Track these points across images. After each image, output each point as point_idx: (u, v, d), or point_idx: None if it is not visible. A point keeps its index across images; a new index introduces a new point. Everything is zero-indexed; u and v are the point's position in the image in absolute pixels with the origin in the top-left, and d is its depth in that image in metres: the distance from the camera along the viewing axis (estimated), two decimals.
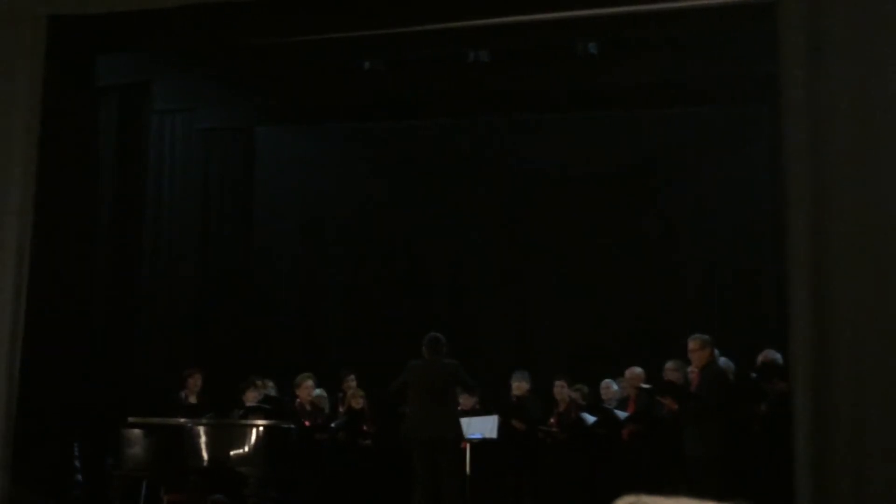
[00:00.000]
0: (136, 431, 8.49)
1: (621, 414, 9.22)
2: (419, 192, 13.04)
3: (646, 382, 9.25)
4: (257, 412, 9.04)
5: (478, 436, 9.25)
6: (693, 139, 12.17)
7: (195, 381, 9.80)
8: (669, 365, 8.65)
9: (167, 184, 12.06)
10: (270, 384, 10.16)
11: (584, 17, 8.88)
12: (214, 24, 8.55)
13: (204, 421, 8.70)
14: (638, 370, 9.60)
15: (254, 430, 8.42)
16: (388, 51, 10.46)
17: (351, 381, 10.53)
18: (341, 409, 10.26)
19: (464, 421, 9.08)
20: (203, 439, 8.44)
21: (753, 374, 8.41)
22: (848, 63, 6.82)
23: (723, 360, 8.44)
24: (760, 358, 8.52)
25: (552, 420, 9.81)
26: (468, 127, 12.88)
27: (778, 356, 8.17)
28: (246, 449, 8.38)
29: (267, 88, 11.89)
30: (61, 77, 8.55)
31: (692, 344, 7.97)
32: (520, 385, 10.06)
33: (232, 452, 8.40)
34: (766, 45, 7.66)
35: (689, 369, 8.36)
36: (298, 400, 9.99)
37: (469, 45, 10.32)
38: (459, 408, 9.58)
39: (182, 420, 8.77)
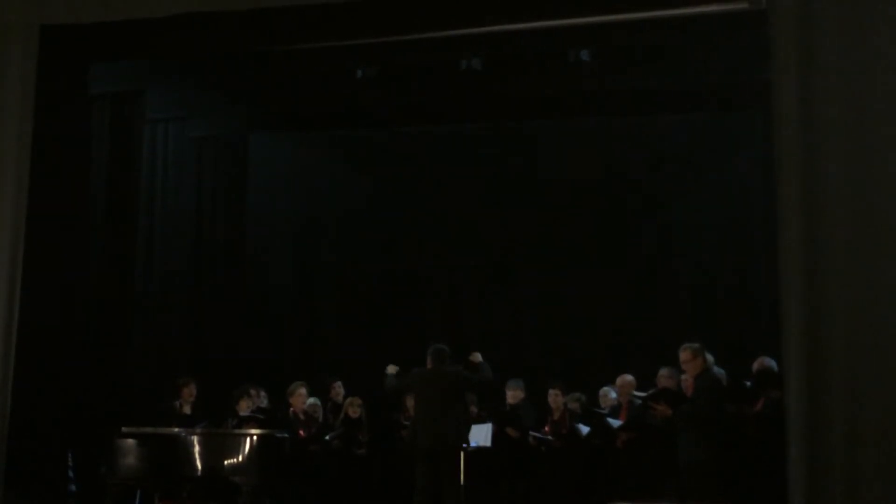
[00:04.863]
0: (130, 441, 8.49)
1: (614, 422, 9.22)
2: (412, 199, 13.04)
3: (638, 389, 9.25)
4: (250, 422, 9.03)
5: (472, 443, 9.25)
6: (686, 146, 12.19)
7: (190, 391, 9.78)
8: (663, 372, 8.63)
9: (160, 192, 12.04)
10: (263, 394, 10.15)
11: (576, 25, 8.91)
12: (207, 33, 8.55)
13: (198, 430, 8.69)
14: (629, 377, 9.61)
15: (247, 440, 8.41)
16: (381, 59, 10.48)
17: (338, 388, 10.52)
18: (331, 417, 10.25)
19: None
20: (197, 448, 8.43)
21: (748, 383, 8.40)
22: (839, 70, 6.84)
23: (715, 370, 8.43)
24: (755, 365, 8.51)
25: (546, 428, 9.82)
26: (462, 134, 12.88)
27: (773, 363, 8.16)
28: (240, 458, 8.37)
29: (260, 96, 11.88)
30: (54, 86, 8.56)
31: (684, 354, 7.92)
32: (514, 393, 10.07)
33: (226, 462, 8.39)
34: (759, 52, 7.68)
35: (683, 377, 8.35)
36: (292, 409, 9.98)
37: (462, 53, 10.33)
38: None
39: (176, 429, 8.76)
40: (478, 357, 9.09)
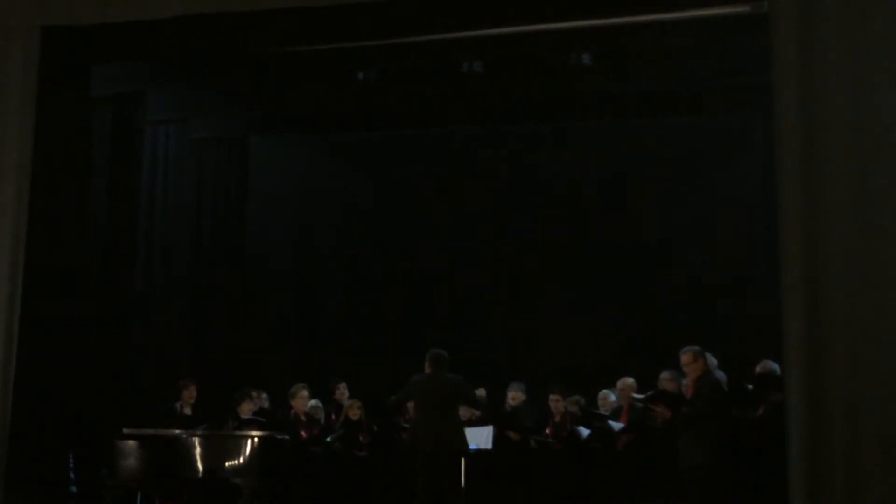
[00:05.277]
0: (131, 443, 8.47)
1: (615, 425, 9.22)
2: (413, 202, 13.05)
3: (638, 392, 9.24)
4: (252, 424, 9.03)
5: (473, 446, 9.24)
6: (687, 148, 12.19)
7: (190, 393, 9.77)
8: (664, 375, 8.63)
9: (161, 194, 12.06)
10: (264, 395, 10.14)
11: (577, 28, 8.92)
12: (208, 35, 8.56)
13: (198, 432, 8.69)
14: (630, 380, 9.60)
15: (248, 441, 8.40)
16: (383, 61, 10.49)
17: (343, 389, 10.51)
18: (334, 418, 10.24)
19: None
20: (197, 450, 8.42)
21: (749, 386, 8.39)
22: (840, 73, 6.84)
23: (718, 373, 8.42)
24: (758, 368, 8.49)
25: (547, 431, 9.82)
26: (463, 137, 12.89)
27: (775, 367, 8.15)
28: (240, 460, 8.36)
29: (261, 98, 11.89)
30: (55, 87, 8.56)
31: (685, 357, 7.93)
32: (515, 395, 10.08)
33: (226, 463, 8.38)
34: (759, 55, 7.69)
35: (684, 382, 8.34)
36: (293, 411, 9.97)
37: (463, 56, 10.34)
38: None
39: (176, 431, 8.76)
40: (482, 393, 9.63)
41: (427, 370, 8.70)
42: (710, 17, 8.50)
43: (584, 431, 9.51)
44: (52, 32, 8.41)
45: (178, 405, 9.73)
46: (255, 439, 8.43)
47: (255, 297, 12.99)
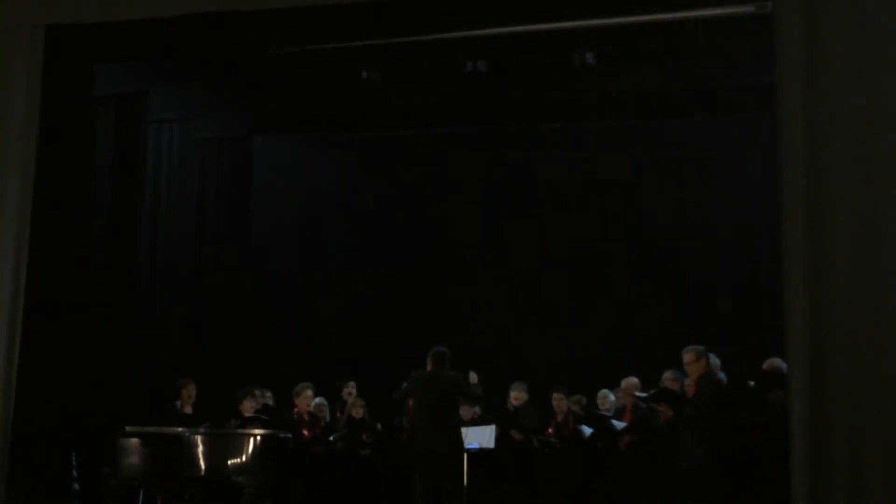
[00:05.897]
0: (133, 441, 8.47)
1: (618, 424, 9.22)
2: (416, 202, 13.05)
3: (641, 392, 9.24)
4: (254, 422, 9.03)
5: (475, 446, 9.25)
6: (691, 149, 12.19)
7: (189, 392, 9.76)
8: (667, 375, 8.62)
9: (164, 193, 12.05)
10: (268, 394, 10.14)
11: (581, 28, 8.93)
12: (212, 34, 8.58)
13: (201, 430, 8.69)
14: (634, 380, 9.59)
15: (251, 440, 8.40)
16: (386, 61, 10.48)
17: (351, 389, 10.50)
18: (339, 416, 10.24)
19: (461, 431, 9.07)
20: (200, 449, 8.41)
21: (751, 383, 8.38)
22: (844, 73, 6.85)
23: (720, 375, 8.41)
24: (765, 366, 8.47)
25: (549, 430, 9.82)
26: (465, 137, 12.89)
27: (783, 365, 8.14)
28: (243, 458, 8.36)
29: (264, 98, 11.89)
30: (59, 86, 8.59)
31: (687, 356, 7.93)
32: (518, 395, 10.08)
33: (229, 462, 8.37)
34: (763, 55, 7.69)
35: (686, 381, 8.33)
36: (297, 410, 9.97)
37: (467, 56, 10.35)
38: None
39: (179, 429, 8.76)
40: (474, 378, 9.49)
41: (428, 367, 8.69)
42: (714, 17, 8.49)
43: (588, 430, 9.50)
44: (56, 31, 8.42)
45: (177, 404, 9.73)
46: (258, 438, 8.43)
47: (259, 296, 12.99)
